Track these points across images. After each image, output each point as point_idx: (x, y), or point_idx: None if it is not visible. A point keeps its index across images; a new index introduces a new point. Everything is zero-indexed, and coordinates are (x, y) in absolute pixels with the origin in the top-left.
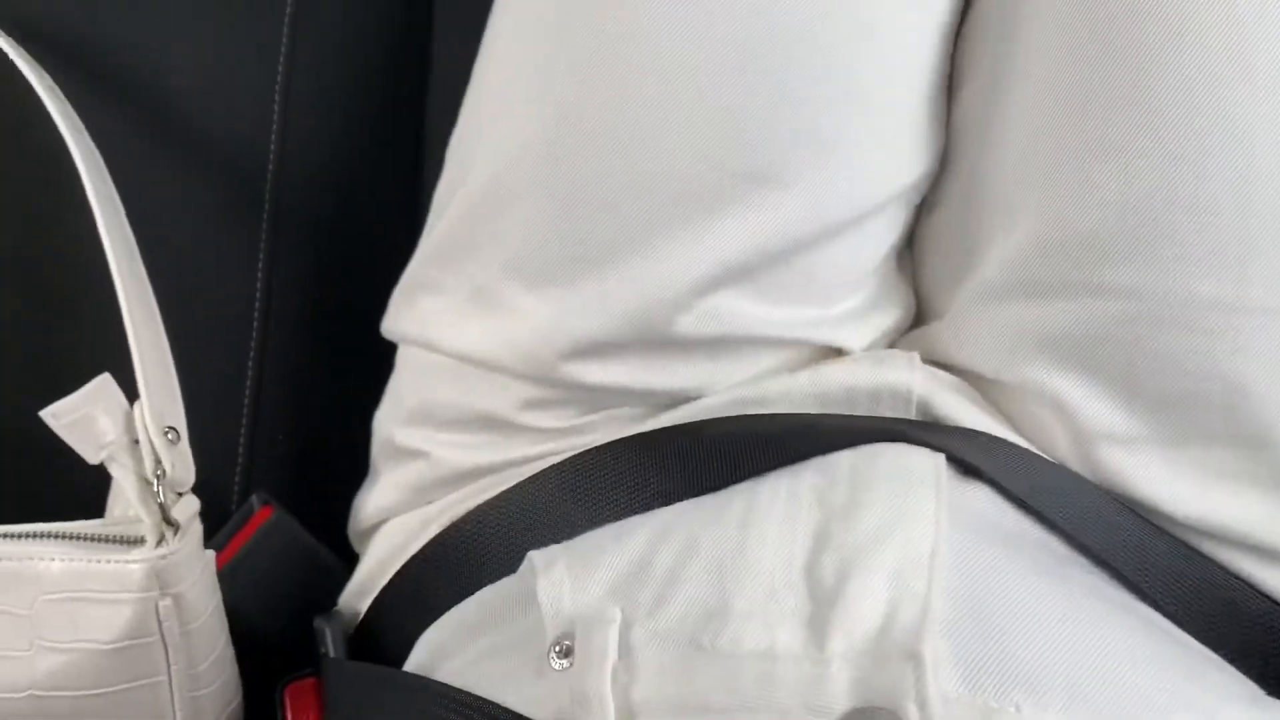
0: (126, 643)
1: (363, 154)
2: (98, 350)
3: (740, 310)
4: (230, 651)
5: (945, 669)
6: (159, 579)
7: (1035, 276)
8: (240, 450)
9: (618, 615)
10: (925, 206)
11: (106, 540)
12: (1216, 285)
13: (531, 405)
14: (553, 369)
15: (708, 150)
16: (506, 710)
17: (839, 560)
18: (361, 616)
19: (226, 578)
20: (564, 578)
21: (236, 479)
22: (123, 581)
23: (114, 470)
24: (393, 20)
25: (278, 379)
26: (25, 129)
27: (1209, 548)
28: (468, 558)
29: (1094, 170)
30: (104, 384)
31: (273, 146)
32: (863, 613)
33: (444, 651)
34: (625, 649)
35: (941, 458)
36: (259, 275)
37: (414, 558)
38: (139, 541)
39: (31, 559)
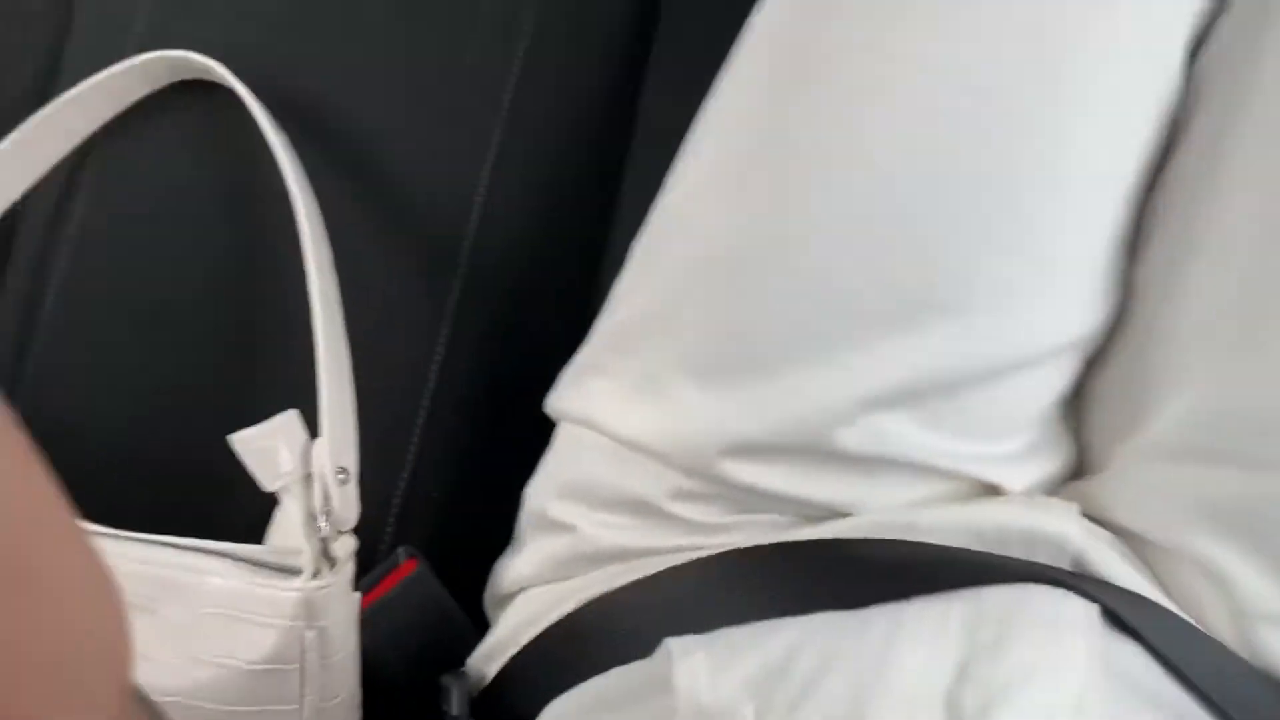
0: (269, 666)
1: (552, 239)
2: (288, 387)
3: (902, 433)
4: (359, 694)
5: None
6: (309, 610)
7: (1204, 442)
8: (395, 501)
9: (751, 713)
10: (1096, 359)
11: (266, 566)
12: None
13: (683, 496)
14: (709, 463)
15: (892, 276)
16: None
17: (983, 694)
18: (488, 680)
19: (366, 622)
20: (701, 668)
21: (388, 529)
22: (276, 607)
23: (285, 500)
24: (597, 126)
25: (440, 438)
26: (257, 175)
27: None
28: (602, 637)
29: (1274, 348)
30: (290, 419)
31: (472, 223)
32: None
33: None
34: None
35: (1095, 608)
36: (440, 339)
37: (549, 629)
38: (296, 571)
39: (199, 573)
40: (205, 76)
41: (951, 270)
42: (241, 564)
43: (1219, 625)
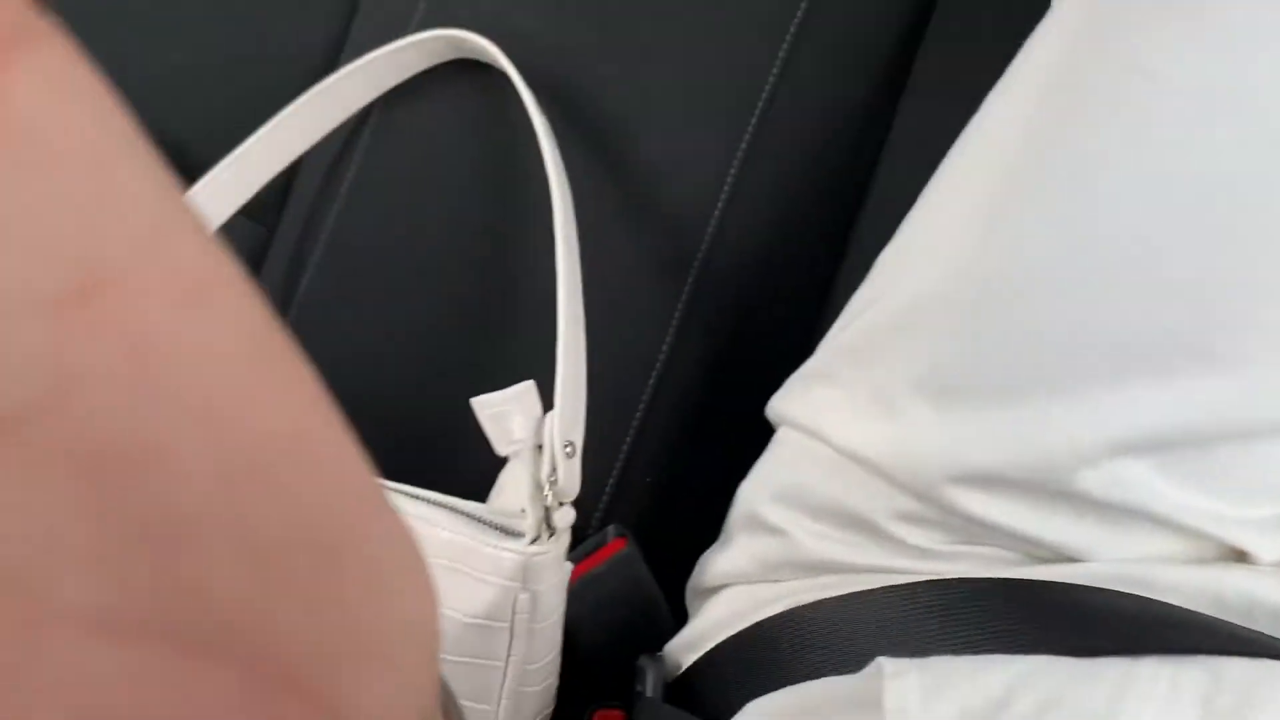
0: (482, 621)
1: (792, 243)
2: (525, 358)
3: (1148, 483)
4: (558, 661)
5: None
6: (525, 573)
7: None
8: (610, 481)
9: None
10: None
11: (488, 525)
12: None
13: (904, 518)
14: (937, 489)
15: (1160, 317)
16: None
17: None
18: (683, 669)
19: (571, 595)
20: (913, 691)
21: (600, 507)
22: (496, 566)
23: (515, 466)
24: (850, 135)
25: (659, 428)
26: (516, 153)
27: None
28: (807, 645)
29: None
30: (527, 389)
31: (713, 219)
32: None
33: None
34: None
35: None
36: (670, 331)
37: (750, 629)
38: (517, 534)
39: (428, 523)
40: (478, 57)
41: (1227, 319)
42: (468, 520)
43: None
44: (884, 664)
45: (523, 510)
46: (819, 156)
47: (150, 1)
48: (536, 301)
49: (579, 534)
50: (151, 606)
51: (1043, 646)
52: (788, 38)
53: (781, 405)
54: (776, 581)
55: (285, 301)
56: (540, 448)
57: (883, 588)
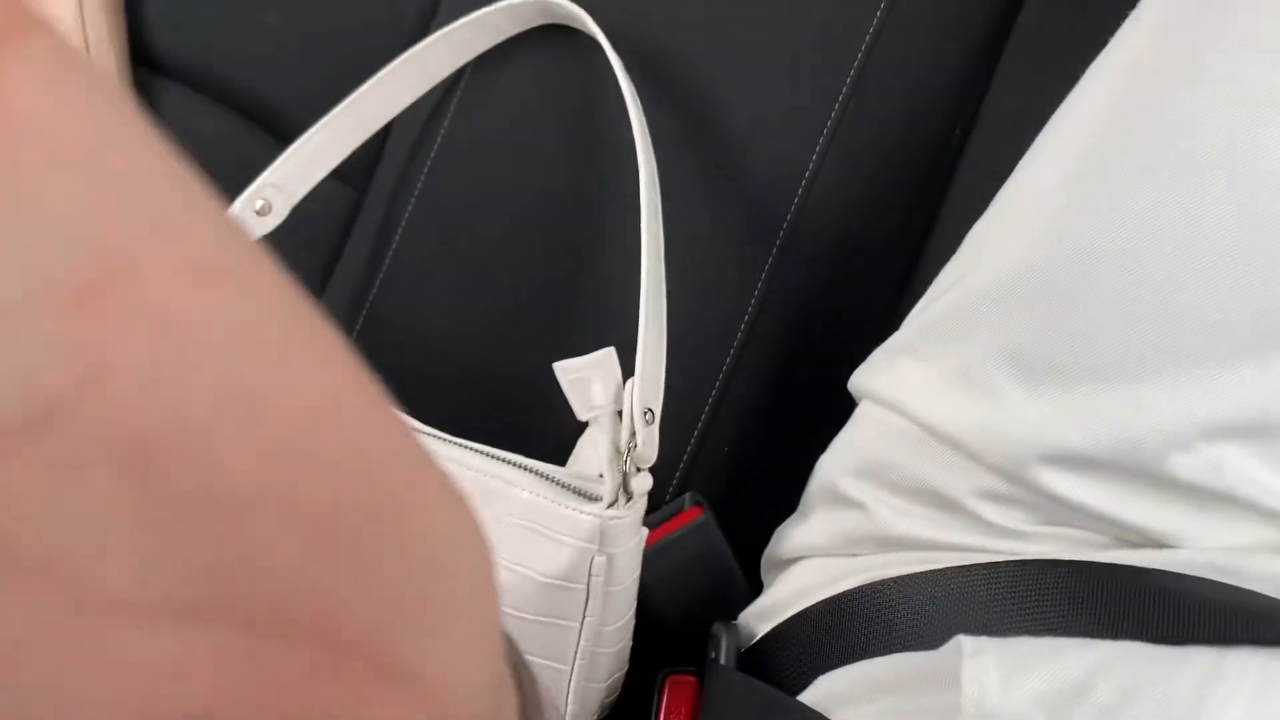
0: (558, 581)
1: (879, 215)
2: (607, 324)
3: (1243, 469)
4: (632, 624)
5: None
6: (602, 536)
7: None
8: (688, 450)
9: None
10: None
11: (567, 488)
12: None
13: (988, 496)
14: (1023, 467)
15: (1261, 295)
16: None
17: None
18: (756, 639)
19: (647, 560)
20: (992, 671)
21: (678, 474)
22: (574, 528)
23: (594, 431)
24: (943, 107)
25: (740, 397)
26: (604, 118)
27: None
28: (883, 620)
29: None
30: (608, 356)
31: (800, 189)
32: None
33: (842, 699)
34: None
35: None
36: (751, 302)
37: (826, 602)
38: (595, 498)
39: (509, 484)
40: (568, 22)
41: None
42: (548, 482)
43: None
44: (963, 642)
45: (601, 475)
46: (911, 127)
47: None
48: (620, 268)
49: (656, 501)
50: (209, 589)
51: (1126, 632)
52: (882, 5)
53: (865, 379)
54: (853, 556)
55: (375, 264)
56: (620, 414)
57: (963, 565)
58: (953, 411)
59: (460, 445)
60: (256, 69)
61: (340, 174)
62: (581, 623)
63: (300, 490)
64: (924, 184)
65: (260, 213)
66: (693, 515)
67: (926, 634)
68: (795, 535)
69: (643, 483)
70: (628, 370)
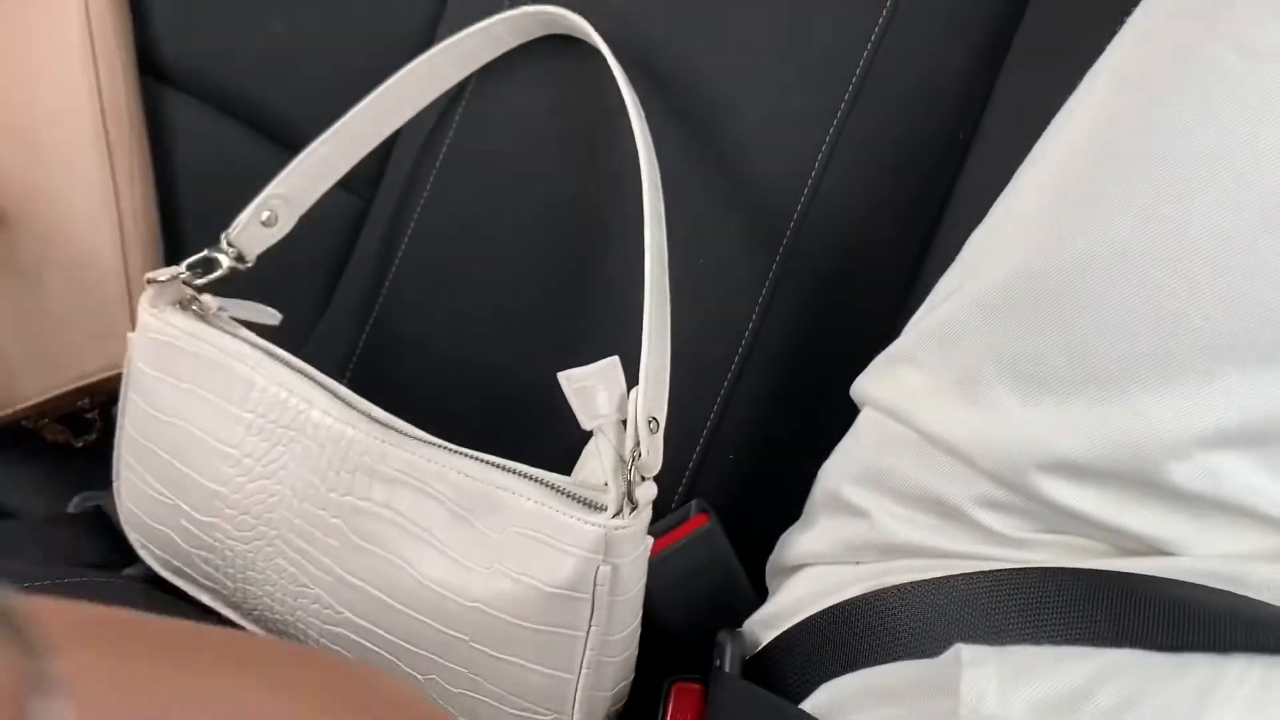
0: (564, 591)
1: (883, 220)
2: (610, 332)
3: (1242, 477)
4: (638, 633)
5: None
6: (607, 546)
7: None
8: (694, 457)
9: None
10: None
11: (572, 497)
12: None
13: (988, 504)
14: (1023, 476)
15: (1261, 303)
16: None
17: None
18: (761, 646)
19: (652, 568)
20: (991, 679)
21: (683, 483)
22: (578, 538)
23: (598, 440)
24: (947, 110)
25: (744, 404)
26: (606, 125)
27: None
28: (886, 628)
29: None
30: (612, 365)
31: (804, 194)
32: None
33: (843, 706)
34: None
35: None
36: (755, 310)
37: (829, 610)
38: (600, 508)
39: (513, 493)
40: (571, 32)
41: None
42: (552, 491)
43: None
44: (962, 651)
45: (605, 484)
46: (915, 132)
47: None
48: (624, 277)
49: (661, 509)
50: None
51: (1127, 640)
52: (886, 7)
53: (866, 387)
54: (856, 564)
55: (380, 274)
56: (624, 422)
57: (965, 574)
58: (952, 420)
59: (464, 454)
60: (263, 79)
61: (346, 184)
62: (587, 632)
63: None
64: (928, 189)
65: (267, 224)
66: (698, 522)
67: (928, 642)
68: (799, 543)
69: (647, 491)
70: (632, 379)
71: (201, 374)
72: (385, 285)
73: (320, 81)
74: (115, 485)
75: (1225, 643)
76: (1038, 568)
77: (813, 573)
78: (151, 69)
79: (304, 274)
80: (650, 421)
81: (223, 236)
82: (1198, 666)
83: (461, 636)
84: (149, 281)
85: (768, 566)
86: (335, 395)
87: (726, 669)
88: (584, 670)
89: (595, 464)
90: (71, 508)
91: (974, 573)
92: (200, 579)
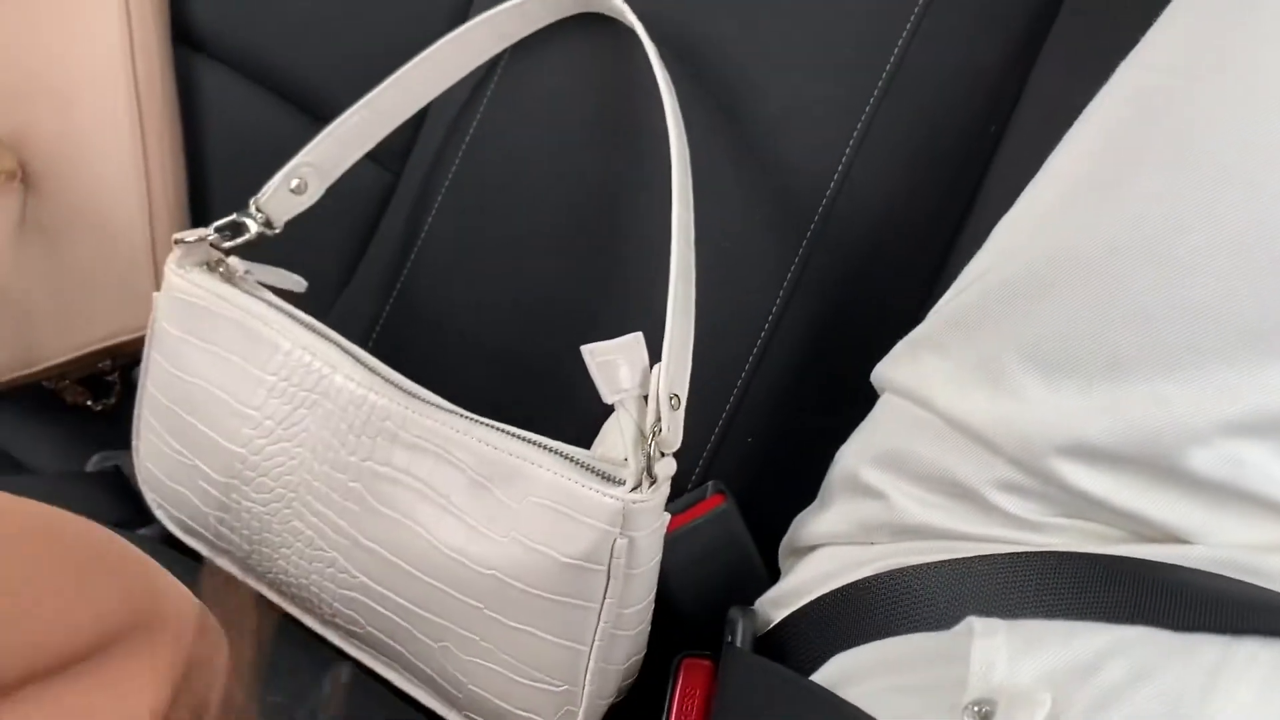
0: (580, 562)
1: (912, 208)
2: (635, 309)
3: (1263, 466)
4: (651, 608)
5: None
6: (625, 519)
7: None
8: (713, 437)
9: (1048, 701)
10: None
11: (591, 470)
12: None
13: (1007, 488)
14: (1042, 460)
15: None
16: None
17: None
18: (772, 624)
19: (668, 546)
20: (1001, 648)
21: (701, 461)
22: (597, 510)
23: (620, 414)
24: (980, 101)
25: (765, 386)
26: (636, 105)
27: None
28: (899, 608)
29: None
30: (636, 340)
31: (834, 180)
32: None
33: (853, 675)
34: None
35: None
36: (780, 292)
37: (842, 589)
38: (619, 481)
39: (533, 464)
40: (604, 10)
41: None
42: (572, 464)
43: None
44: (974, 623)
45: (625, 458)
46: (946, 122)
47: None
48: (650, 254)
49: (679, 487)
50: None
51: (1139, 620)
52: None
53: (888, 371)
54: (871, 545)
55: (407, 246)
56: (646, 398)
57: (981, 556)
58: (973, 404)
59: (486, 424)
60: (296, 50)
61: (375, 156)
62: (601, 604)
63: None
64: (958, 179)
65: (296, 191)
66: (715, 503)
67: (942, 618)
68: (814, 523)
69: (666, 467)
70: (655, 355)
71: (225, 335)
72: (410, 259)
73: (351, 53)
74: (135, 444)
75: (1237, 626)
76: (1054, 551)
77: (827, 553)
78: (184, 36)
79: (330, 246)
80: (672, 398)
81: (251, 202)
82: (1209, 647)
83: (476, 604)
84: (176, 242)
85: (781, 547)
86: (359, 361)
87: (738, 644)
88: (597, 642)
89: (615, 438)
90: (89, 467)
91: (991, 555)
92: (216, 540)
